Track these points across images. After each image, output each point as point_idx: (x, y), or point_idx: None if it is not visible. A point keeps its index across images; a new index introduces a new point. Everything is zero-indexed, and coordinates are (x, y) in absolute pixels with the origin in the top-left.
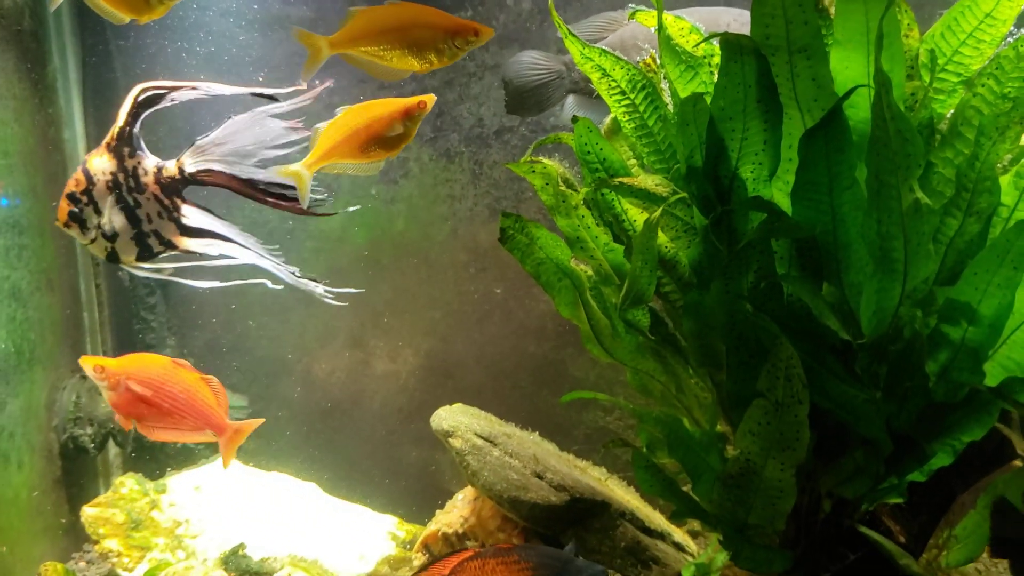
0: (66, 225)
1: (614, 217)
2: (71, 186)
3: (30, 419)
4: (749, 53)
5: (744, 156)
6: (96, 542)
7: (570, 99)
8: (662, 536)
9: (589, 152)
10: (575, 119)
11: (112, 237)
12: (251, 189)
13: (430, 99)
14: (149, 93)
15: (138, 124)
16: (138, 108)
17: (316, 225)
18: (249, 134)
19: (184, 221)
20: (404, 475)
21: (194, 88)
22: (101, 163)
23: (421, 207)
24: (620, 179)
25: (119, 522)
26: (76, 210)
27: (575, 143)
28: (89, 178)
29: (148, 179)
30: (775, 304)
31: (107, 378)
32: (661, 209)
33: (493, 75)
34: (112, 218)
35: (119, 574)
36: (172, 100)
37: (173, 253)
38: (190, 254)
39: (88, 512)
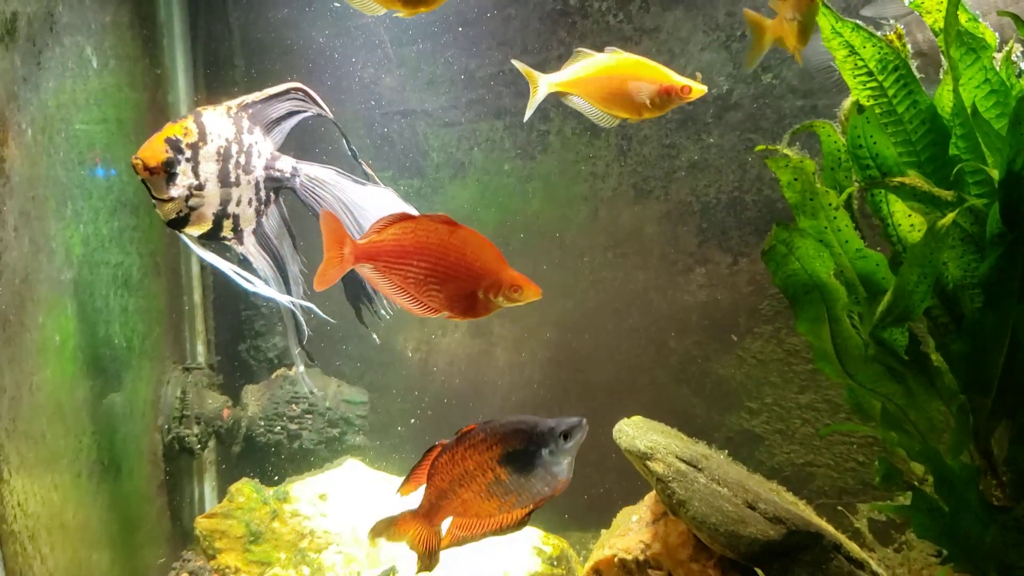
0: (150, 170)
1: (880, 220)
2: (178, 131)
3: (137, 420)
4: None
5: None
6: (212, 556)
7: None
8: (862, 566)
9: (862, 146)
10: (858, 107)
11: (195, 205)
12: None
13: (699, 91)
14: (300, 95)
15: (270, 109)
16: (280, 96)
17: (444, 204)
18: (377, 213)
19: (263, 220)
20: None
21: (333, 122)
22: (220, 124)
23: (559, 186)
24: (899, 179)
25: (237, 535)
26: (174, 159)
27: (848, 134)
28: (203, 134)
29: (259, 163)
30: None
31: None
32: (952, 216)
33: (651, 39)
34: (208, 186)
35: None
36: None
37: (230, 245)
38: (242, 257)
39: (203, 523)
